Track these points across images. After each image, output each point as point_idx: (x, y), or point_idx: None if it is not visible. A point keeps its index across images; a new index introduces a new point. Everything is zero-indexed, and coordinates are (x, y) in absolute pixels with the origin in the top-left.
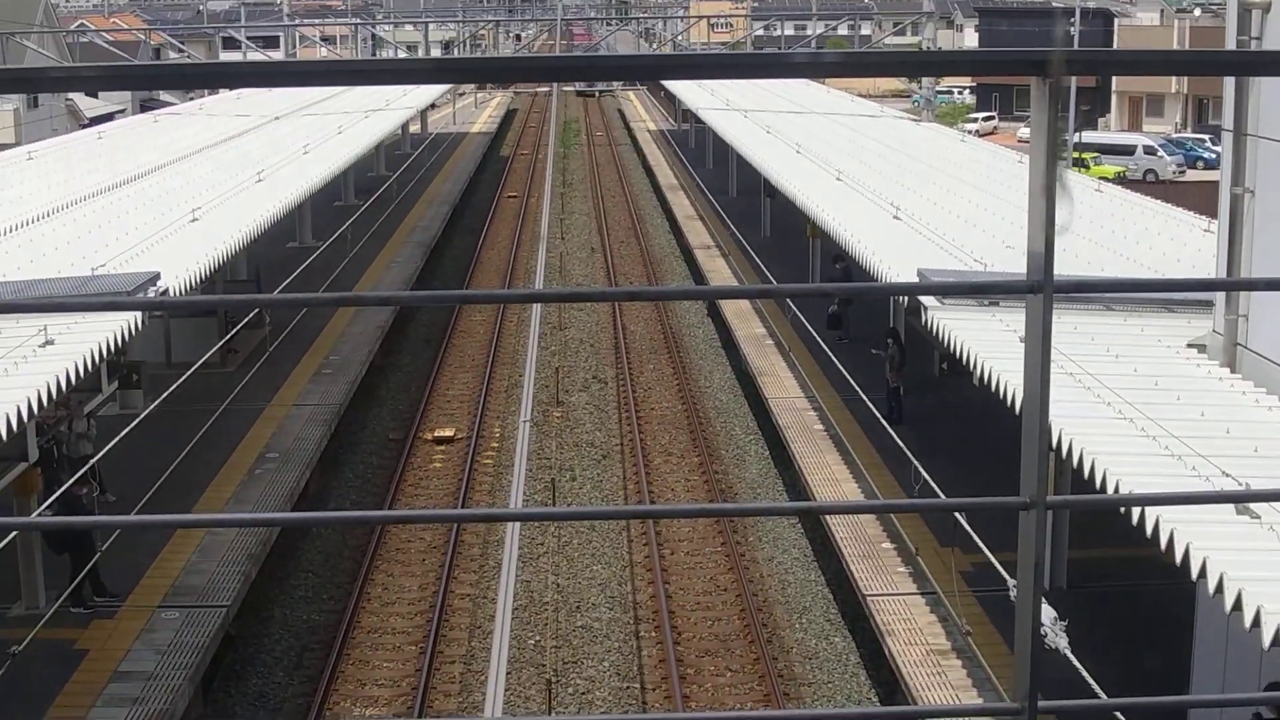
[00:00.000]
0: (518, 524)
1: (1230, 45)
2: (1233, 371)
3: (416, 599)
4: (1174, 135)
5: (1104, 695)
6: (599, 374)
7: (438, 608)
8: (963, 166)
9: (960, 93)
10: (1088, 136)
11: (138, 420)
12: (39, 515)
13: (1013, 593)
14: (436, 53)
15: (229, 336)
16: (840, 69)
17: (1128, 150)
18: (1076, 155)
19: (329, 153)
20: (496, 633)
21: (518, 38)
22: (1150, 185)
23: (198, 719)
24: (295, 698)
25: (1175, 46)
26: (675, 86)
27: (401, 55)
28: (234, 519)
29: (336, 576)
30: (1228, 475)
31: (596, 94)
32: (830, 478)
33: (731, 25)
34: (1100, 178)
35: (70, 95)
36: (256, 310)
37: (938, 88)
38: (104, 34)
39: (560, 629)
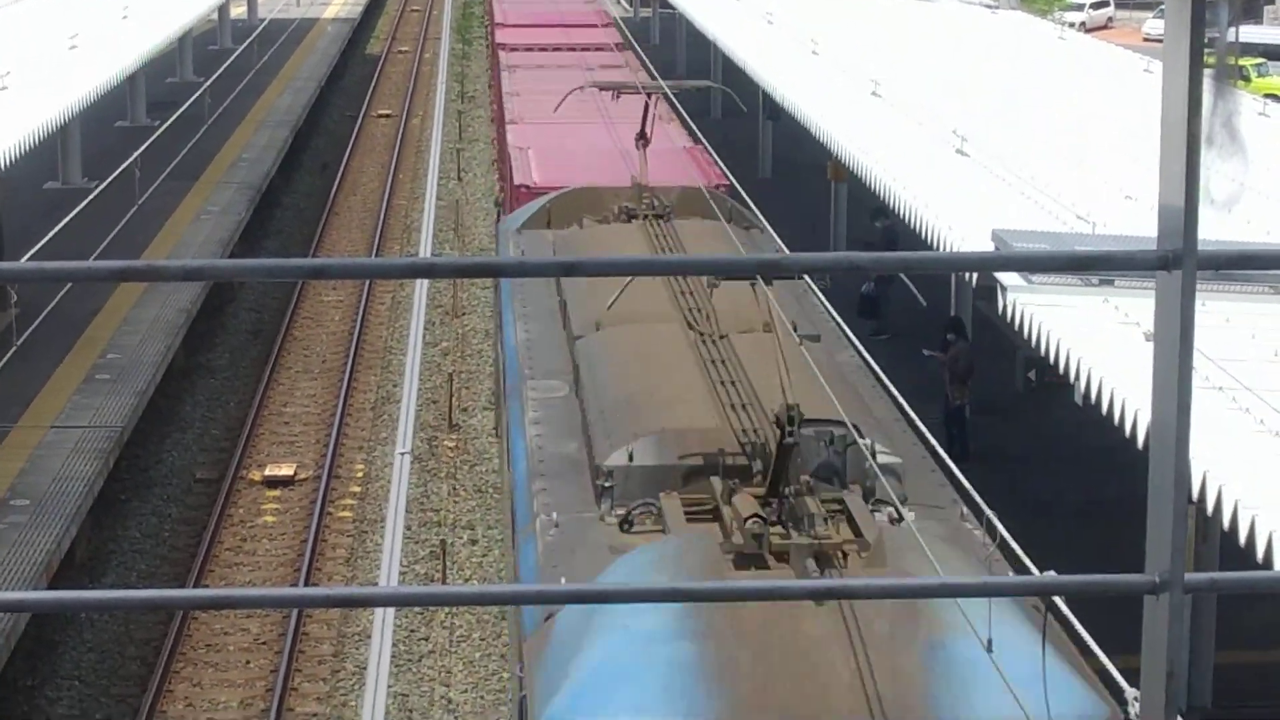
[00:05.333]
0: (389, 610)
1: None
2: None
3: None
4: None
5: None
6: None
7: None
8: (1061, 77)
9: None
10: (1248, 33)
11: None
12: None
13: (1135, 710)
14: None
15: None
16: None
17: None
18: (1229, 60)
19: (108, 47)
20: None
21: None
22: None
23: None
24: None
25: None
26: None
27: None
28: None
29: (115, 687)
30: None
31: None
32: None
33: None
34: (1267, 95)
35: None
36: None
37: None
38: None
39: None
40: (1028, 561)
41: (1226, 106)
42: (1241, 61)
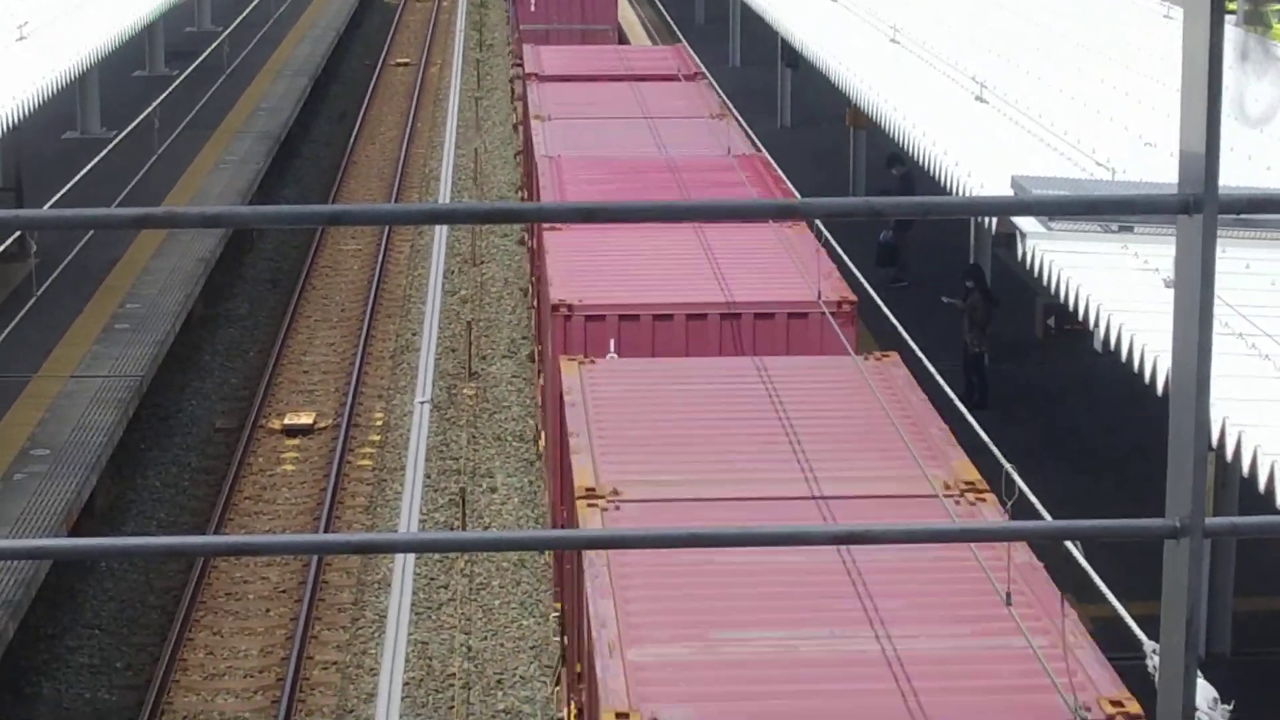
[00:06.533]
0: (409, 556)
1: None
2: None
3: (257, 668)
4: None
5: None
6: (533, 331)
7: (288, 681)
8: (1079, 22)
9: None
10: None
11: None
12: None
13: (1153, 661)
14: None
15: None
16: None
17: None
18: (1251, 7)
19: None
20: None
21: None
22: None
23: None
24: None
25: None
26: None
27: None
28: None
29: (136, 636)
30: None
31: None
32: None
33: None
34: None
35: None
36: (17, 234)
37: None
38: None
39: (473, 716)
40: (1043, 511)
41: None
42: (1265, 8)
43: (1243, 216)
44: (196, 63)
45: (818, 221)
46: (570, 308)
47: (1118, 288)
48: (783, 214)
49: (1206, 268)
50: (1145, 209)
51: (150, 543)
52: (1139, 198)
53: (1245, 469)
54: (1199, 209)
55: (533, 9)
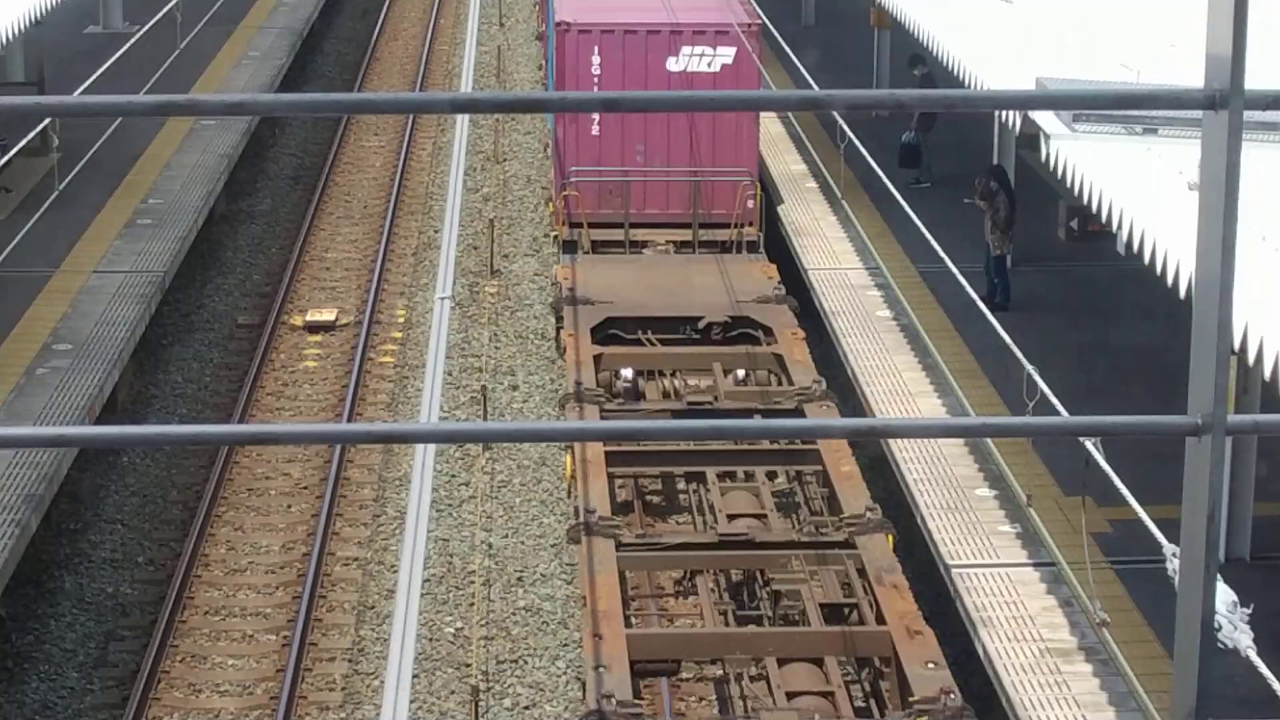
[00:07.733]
0: (430, 449)
1: None
2: None
3: (278, 564)
4: None
5: None
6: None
7: (310, 577)
8: None
9: None
10: None
11: None
12: None
13: (1173, 565)
14: None
15: None
16: None
17: None
18: None
19: None
20: (398, 617)
21: None
22: None
23: None
24: (97, 709)
25: None
26: None
27: None
28: (4, 437)
29: (158, 530)
30: None
31: None
32: (898, 388)
33: None
34: None
35: None
36: (42, 124)
37: None
38: None
39: (494, 613)
40: (1062, 409)
41: None
42: None
43: (1269, 114)
44: None
45: (839, 119)
46: None
47: (1141, 190)
48: (809, 106)
49: (1231, 164)
50: (1171, 104)
51: (173, 431)
52: (1165, 92)
53: (1267, 373)
54: (1225, 104)
55: (595, 130)
